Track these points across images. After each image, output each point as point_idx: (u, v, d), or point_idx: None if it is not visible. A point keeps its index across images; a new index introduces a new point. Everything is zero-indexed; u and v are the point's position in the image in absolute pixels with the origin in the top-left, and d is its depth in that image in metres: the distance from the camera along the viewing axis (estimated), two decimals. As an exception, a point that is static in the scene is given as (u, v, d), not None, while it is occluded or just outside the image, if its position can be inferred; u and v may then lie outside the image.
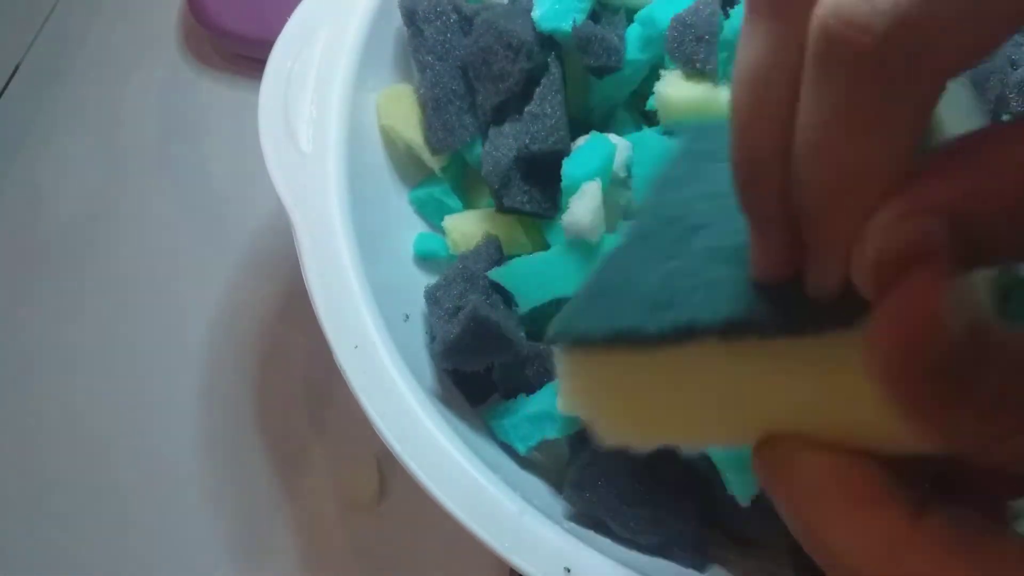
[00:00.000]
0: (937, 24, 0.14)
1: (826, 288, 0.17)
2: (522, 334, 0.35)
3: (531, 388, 0.36)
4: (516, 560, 0.30)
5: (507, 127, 0.37)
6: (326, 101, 0.37)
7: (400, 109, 0.40)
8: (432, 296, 0.38)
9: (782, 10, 0.16)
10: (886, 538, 0.17)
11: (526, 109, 0.37)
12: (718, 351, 0.18)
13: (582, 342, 0.20)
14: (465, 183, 0.42)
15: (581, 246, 0.34)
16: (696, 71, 0.36)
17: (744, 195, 0.17)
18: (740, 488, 0.32)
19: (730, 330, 0.18)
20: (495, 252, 0.37)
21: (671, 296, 0.19)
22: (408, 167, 0.41)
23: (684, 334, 0.18)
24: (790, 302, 0.18)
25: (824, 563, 0.18)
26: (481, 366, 0.36)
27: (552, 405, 0.35)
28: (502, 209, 0.38)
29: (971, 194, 0.15)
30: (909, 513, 0.17)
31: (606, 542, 0.34)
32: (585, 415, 0.21)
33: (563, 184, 0.35)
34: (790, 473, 0.18)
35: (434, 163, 0.40)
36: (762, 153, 0.16)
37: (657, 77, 0.37)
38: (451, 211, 0.40)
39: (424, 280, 0.39)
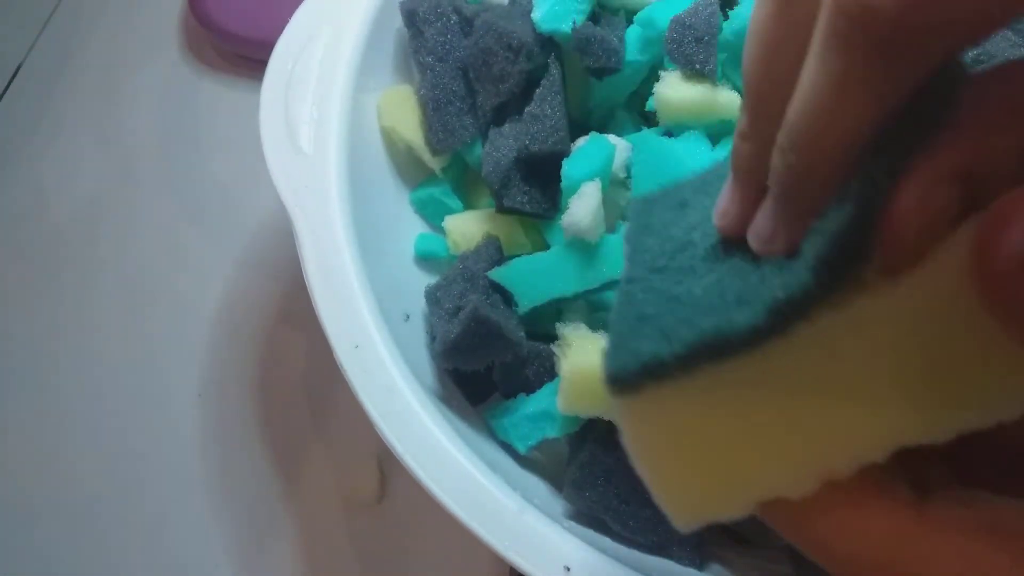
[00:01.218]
0: (942, 7, 0.14)
1: (780, 247, 0.18)
2: (522, 334, 0.36)
3: (531, 388, 0.36)
4: (516, 559, 0.30)
5: (507, 128, 0.38)
6: (327, 102, 0.37)
7: (401, 110, 0.40)
8: (432, 296, 0.38)
9: None
10: (891, 534, 0.17)
11: (526, 110, 0.37)
12: (747, 362, 0.18)
13: (624, 385, 0.19)
14: (465, 184, 0.42)
15: (581, 246, 0.35)
16: (695, 72, 0.36)
17: (737, 147, 0.19)
18: (739, 487, 0.32)
19: (746, 334, 0.18)
20: (495, 252, 0.37)
21: (685, 317, 0.19)
22: (408, 168, 0.41)
23: (705, 350, 0.18)
24: (785, 281, 0.18)
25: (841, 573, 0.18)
26: (481, 366, 0.36)
27: (552, 404, 0.35)
28: (502, 209, 0.38)
29: None
30: (910, 503, 0.17)
31: (606, 541, 0.34)
32: (655, 472, 0.20)
33: (563, 184, 0.36)
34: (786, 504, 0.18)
35: (434, 164, 0.40)
36: (766, 109, 0.18)
37: (656, 78, 0.37)
38: (451, 211, 0.41)
39: (424, 280, 0.39)
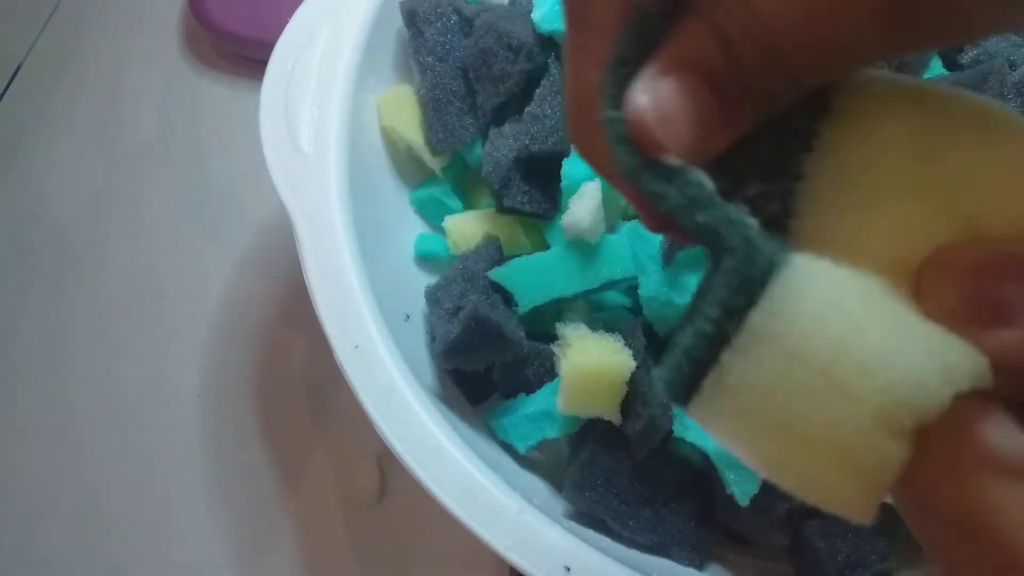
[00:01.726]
0: None
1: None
2: (522, 334, 0.36)
3: (531, 388, 0.36)
4: (516, 558, 0.30)
5: (507, 128, 0.38)
6: (327, 102, 0.37)
7: (401, 110, 0.40)
8: (432, 296, 0.38)
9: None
10: None
11: (526, 110, 0.37)
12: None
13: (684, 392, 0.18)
14: (465, 184, 0.42)
15: (581, 246, 0.35)
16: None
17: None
18: (739, 487, 0.33)
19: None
20: (495, 252, 0.37)
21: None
22: (409, 168, 0.41)
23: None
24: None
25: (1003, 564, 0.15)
26: (481, 365, 0.36)
27: (552, 404, 0.35)
28: (502, 209, 0.38)
29: None
30: None
31: (606, 541, 0.34)
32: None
33: (563, 184, 0.36)
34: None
35: (434, 164, 0.40)
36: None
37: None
38: (451, 211, 0.41)
39: (424, 280, 0.39)
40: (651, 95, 0.17)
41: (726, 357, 0.17)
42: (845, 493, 0.17)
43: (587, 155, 0.19)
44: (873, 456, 0.16)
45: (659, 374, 0.18)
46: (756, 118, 0.17)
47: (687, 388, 0.17)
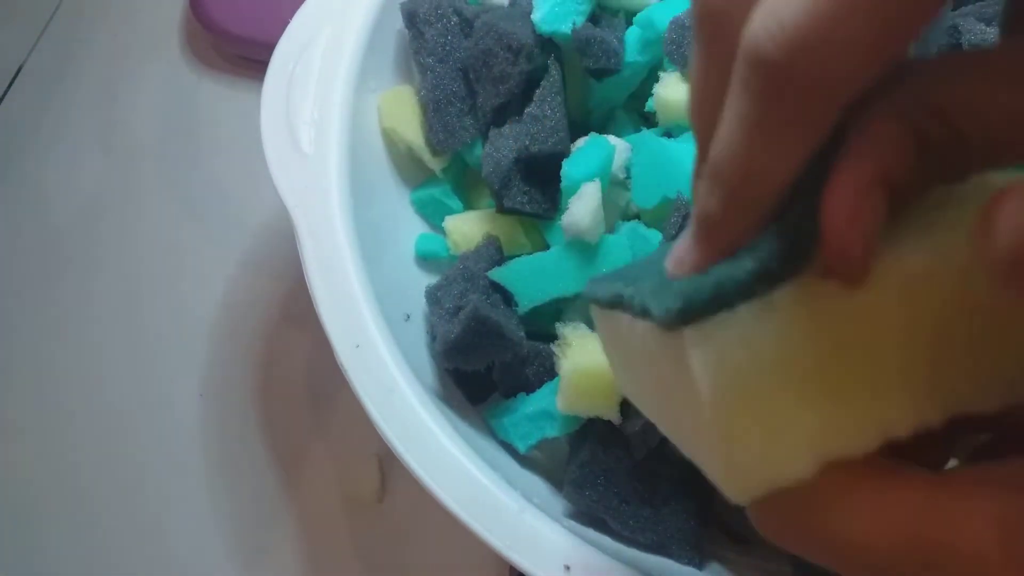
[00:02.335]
0: (832, 50, 0.15)
1: (687, 268, 0.19)
2: (522, 334, 0.36)
3: (531, 387, 0.37)
4: (516, 558, 0.30)
5: (507, 128, 0.38)
6: (328, 103, 0.37)
7: (401, 111, 0.40)
8: (433, 296, 0.38)
9: (715, 34, 0.18)
10: (916, 505, 0.16)
11: (526, 111, 0.37)
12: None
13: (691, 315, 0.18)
14: (465, 184, 0.43)
15: (580, 246, 0.35)
16: (695, 73, 0.36)
17: (694, 189, 0.20)
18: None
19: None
20: (495, 252, 0.37)
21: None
22: (409, 168, 0.41)
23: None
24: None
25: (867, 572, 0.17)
26: (481, 365, 0.36)
27: (552, 404, 0.35)
28: (502, 210, 0.38)
29: None
30: (930, 478, 0.16)
31: (605, 540, 0.34)
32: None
33: (563, 185, 0.36)
34: (793, 503, 0.18)
35: (435, 164, 0.40)
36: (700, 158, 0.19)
37: (656, 79, 0.37)
38: (452, 212, 0.41)
39: (425, 280, 0.39)
40: (851, 214, 0.16)
41: (743, 308, 0.18)
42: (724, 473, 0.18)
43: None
44: (774, 465, 0.18)
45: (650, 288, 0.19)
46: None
47: (695, 313, 0.18)
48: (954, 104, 0.16)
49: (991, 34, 0.40)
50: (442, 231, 0.40)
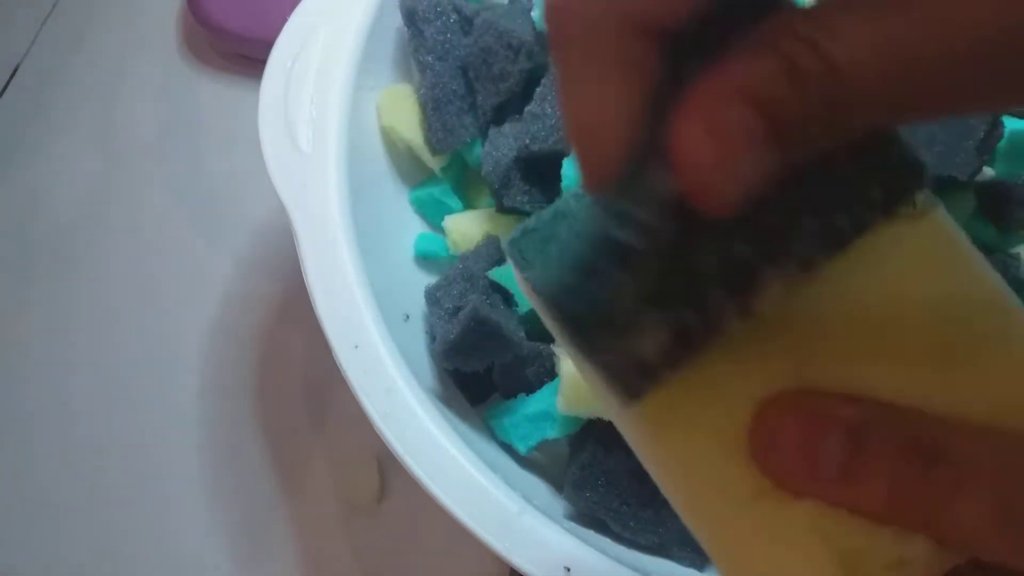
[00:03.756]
0: None
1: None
2: (522, 334, 0.35)
3: (531, 388, 0.36)
4: (516, 559, 0.30)
5: (507, 127, 0.37)
6: (326, 101, 0.37)
7: (400, 109, 0.40)
8: (432, 296, 0.38)
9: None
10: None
11: (526, 109, 0.37)
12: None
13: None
14: (465, 183, 0.42)
15: (581, 246, 0.34)
16: (696, 71, 0.36)
17: None
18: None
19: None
20: (495, 252, 0.37)
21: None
22: (408, 167, 0.41)
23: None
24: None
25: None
26: (481, 366, 0.36)
27: (552, 405, 0.35)
28: (502, 209, 0.38)
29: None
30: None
31: (606, 541, 0.34)
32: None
33: (563, 184, 0.35)
34: None
35: (434, 163, 0.40)
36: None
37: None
38: (451, 211, 0.40)
39: (424, 280, 0.39)
40: (708, 126, 0.14)
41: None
42: None
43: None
44: None
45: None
46: (807, 154, 0.15)
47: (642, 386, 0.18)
48: (821, 32, 0.15)
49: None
50: (441, 230, 0.40)
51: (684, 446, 0.18)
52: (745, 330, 0.17)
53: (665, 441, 0.18)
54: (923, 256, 0.18)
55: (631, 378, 0.17)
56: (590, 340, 0.18)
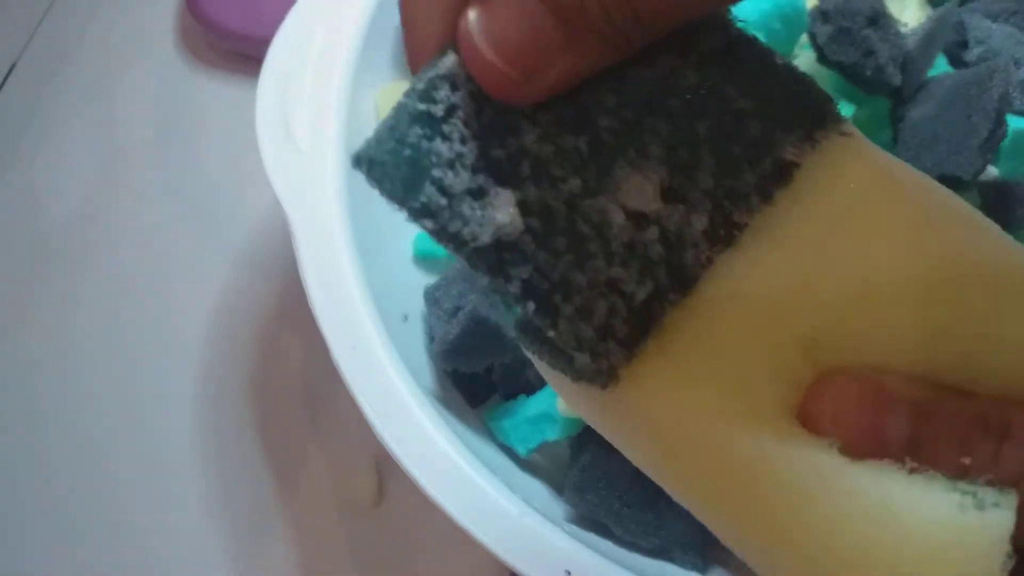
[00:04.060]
0: None
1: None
2: (522, 334, 0.35)
3: (531, 389, 0.36)
4: (516, 563, 0.30)
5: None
6: (324, 99, 0.37)
7: (399, 107, 0.40)
8: (431, 296, 0.37)
9: None
10: None
11: (526, 107, 0.37)
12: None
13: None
14: (464, 182, 0.42)
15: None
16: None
17: None
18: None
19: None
20: (495, 252, 0.37)
21: None
22: (407, 166, 0.41)
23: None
24: None
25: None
26: (481, 367, 0.36)
27: (552, 407, 0.35)
28: (502, 208, 0.37)
29: None
30: None
31: (607, 544, 0.34)
32: None
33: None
34: None
35: (433, 162, 0.40)
36: None
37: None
38: (450, 210, 0.40)
39: (423, 280, 0.39)
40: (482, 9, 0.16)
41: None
42: None
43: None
44: None
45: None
46: (609, 55, 0.17)
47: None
48: None
49: (997, 30, 0.40)
50: (441, 230, 0.40)
51: (685, 416, 0.17)
52: (715, 279, 0.17)
53: (659, 416, 0.17)
54: (867, 184, 0.18)
55: (600, 357, 0.17)
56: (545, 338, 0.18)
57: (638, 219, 0.17)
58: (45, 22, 0.58)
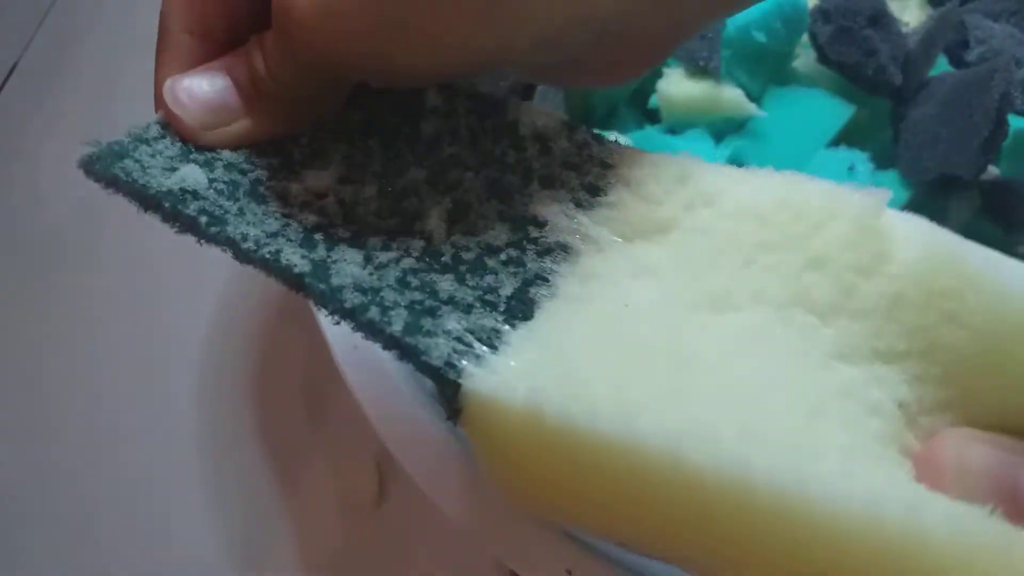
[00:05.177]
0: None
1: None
2: (523, 334, 0.35)
3: (532, 389, 0.36)
4: (516, 563, 0.29)
5: (508, 125, 0.37)
6: (325, 99, 0.37)
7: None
8: (432, 296, 0.37)
9: None
10: None
11: (527, 107, 0.36)
12: None
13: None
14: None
15: (582, 245, 0.34)
16: (698, 69, 0.35)
17: None
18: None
19: None
20: (496, 251, 0.37)
21: None
22: (408, 166, 0.41)
23: None
24: None
25: None
26: (481, 367, 0.35)
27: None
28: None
29: None
30: None
31: (608, 545, 0.33)
32: None
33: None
34: None
35: (434, 162, 0.39)
36: None
37: (659, 75, 0.36)
38: (451, 210, 0.40)
39: (424, 280, 0.39)
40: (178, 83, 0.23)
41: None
42: None
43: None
44: None
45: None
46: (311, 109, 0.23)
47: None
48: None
49: (998, 30, 0.40)
50: (441, 230, 0.39)
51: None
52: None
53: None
54: None
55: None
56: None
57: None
58: (47, 22, 0.58)
